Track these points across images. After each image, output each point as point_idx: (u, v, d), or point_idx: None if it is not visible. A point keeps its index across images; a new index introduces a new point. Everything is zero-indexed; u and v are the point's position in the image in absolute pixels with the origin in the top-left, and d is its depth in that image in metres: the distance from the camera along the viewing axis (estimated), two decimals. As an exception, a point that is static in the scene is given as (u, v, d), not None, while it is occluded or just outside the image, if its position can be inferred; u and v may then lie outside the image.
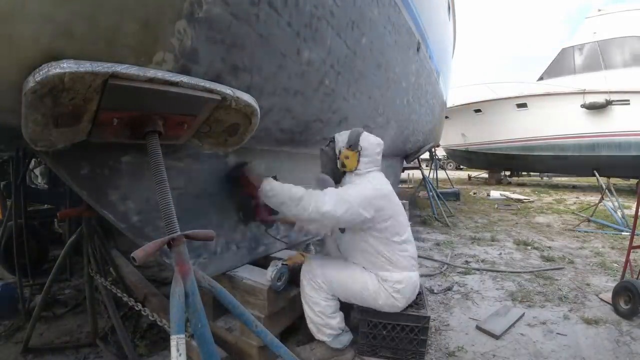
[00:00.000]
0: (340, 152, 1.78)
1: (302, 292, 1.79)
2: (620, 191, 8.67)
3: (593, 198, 7.79)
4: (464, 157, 14.19)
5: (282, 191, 1.61)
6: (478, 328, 2.20)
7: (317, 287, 1.74)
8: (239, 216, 1.88)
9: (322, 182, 1.86)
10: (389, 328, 1.81)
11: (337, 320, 1.78)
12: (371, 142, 1.77)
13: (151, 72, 0.93)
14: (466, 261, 3.58)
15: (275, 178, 1.75)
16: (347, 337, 1.82)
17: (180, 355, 0.88)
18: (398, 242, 1.74)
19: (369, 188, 1.68)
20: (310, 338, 1.86)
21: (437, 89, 5.62)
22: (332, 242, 2.07)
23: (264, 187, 1.65)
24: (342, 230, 1.84)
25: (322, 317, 1.74)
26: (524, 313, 2.40)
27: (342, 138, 1.79)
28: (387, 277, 1.72)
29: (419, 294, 1.94)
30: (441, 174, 10.17)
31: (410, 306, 1.84)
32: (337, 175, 1.84)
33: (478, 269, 3.32)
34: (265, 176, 1.73)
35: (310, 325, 1.79)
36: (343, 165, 1.77)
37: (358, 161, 1.74)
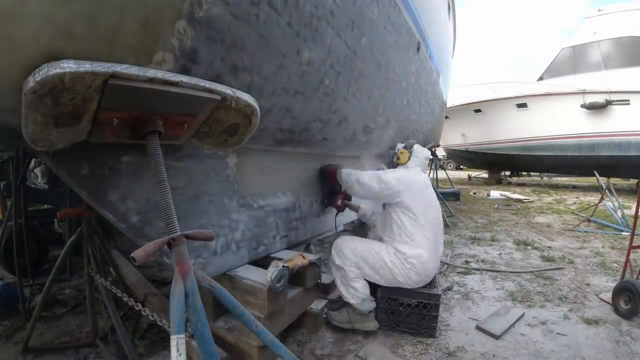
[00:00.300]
0: (398, 149, 2.41)
1: (332, 262, 2.21)
2: (620, 191, 8.67)
3: (593, 198, 7.79)
4: (464, 157, 14.18)
5: (347, 172, 2.30)
6: (478, 328, 2.20)
7: (345, 258, 2.12)
8: (324, 201, 2.63)
9: (381, 169, 2.61)
10: (405, 304, 2.11)
11: (360, 284, 2.12)
12: (420, 150, 2.39)
13: (151, 72, 0.93)
14: (466, 261, 3.59)
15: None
16: (371, 304, 2.14)
17: (180, 355, 0.88)
18: (422, 224, 2.12)
19: (403, 173, 2.25)
20: (311, 335, 1.96)
21: (437, 89, 5.62)
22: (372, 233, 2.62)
23: (341, 171, 2.35)
24: (384, 207, 2.35)
25: (346, 279, 2.13)
26: (524, 313, 2.40)
27: (401, 144, 2.46)
28: (402, 249, 2.08)
29: (433, 277, 2.23)
30: (441, 174, 10.16)
31: (423, 286, 2.15)
32: (393, 167, 2.42)
33: (478, 269, 3.32)
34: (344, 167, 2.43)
35: (340, 288, 2.17)
36: (397, 158, 2.38)
37: (409, 159, 2.34)
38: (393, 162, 2.44)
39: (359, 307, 2.11)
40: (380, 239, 2.29)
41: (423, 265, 2.07)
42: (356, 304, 2.11)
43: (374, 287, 2.19)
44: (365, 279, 2.14)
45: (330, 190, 2.58)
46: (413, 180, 2.21)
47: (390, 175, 2.17)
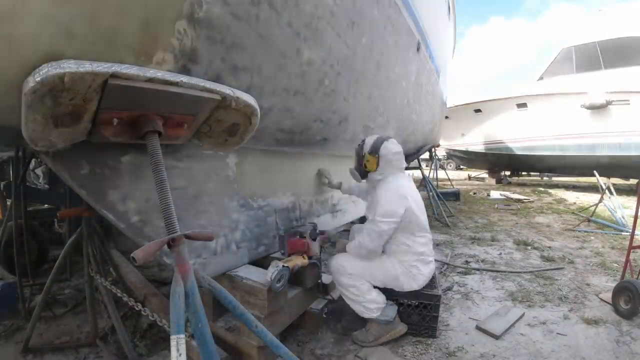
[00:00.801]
0: (364, 155, 2.15)
1: (338, 285, 2.10)
2: (620, 191, 8.66)
3: (593, 198, 7.79)
4: (464, 157, 14.18)
5: (352, 245, 2.09)
6: (478, 328, 2.20)
7: (349, 275, 2.03)
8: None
9: (353, 174, 2.30)
10: (405, 305, 2.11)
11: (374, 294, 2.04)
12: (389, 150, 2.10)
13: (151, 72, 0.93)
14: (466, 261, 3.58)
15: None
16: (392, 309, 2.06)
17: (180, 355, 0.88)
18: (418, 228, 2.05)
19: (393, 201, 1.98)
20: (311, 335, 1.94)
21: (437, 89, 5.62)
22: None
23: (348, 246, 2.13)
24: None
25: (360, 295, 2.02)
26: (524, 313, 2.40)
27: (368, 142, 2.16)
28: (405, 258, 2.04)
29: (433, 277, 2.21)
30: (441, 174, 10.17)
31: (423, 288, 2.12)
32: (362, 172, 2.21)
33: (478, 269, 3.32)
34: (343, 243, 2.24)
35: (358, 308, 2.05)
36: (365, 166, 2.16)
37: (377, 164, 2.11)
38: (360, 167, 2.20)
39: (383, 317, 2.02)
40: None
41: (425, 269, 2.08)
42: (378, 315, 2.02)
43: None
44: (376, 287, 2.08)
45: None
46: (403, 198, 1.99)
47: (385, 219, 1.95)
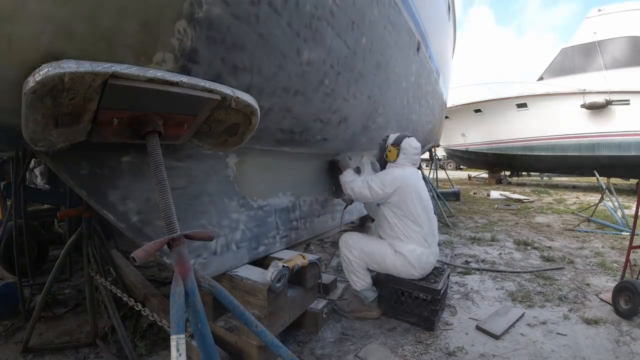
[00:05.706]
0: (387, 146, 2.43)
1: (341, 254, 2.41)
2: (620, 191, 8.67)
3: (593, 198, 7.79)
4: (464, 157, 14.19)
5: (346, 178, 2.46)
6: (478, 328, 2.20)
7: (350, 249, 2.32)
8: (332, 190, 2.75)
9: (374, 165, 2.80)
10: (406, 295, 2.25)
11: (362, 273, 2.33)
12: (410, 145, 2.39)
13: (151, 72, 0.93)
14: (466, 261, 3.58)
15: (357, 170, 2.67)
16: (373, 294, 2.33)
17: (180, 355, 0.88)
18: (411, 221, 2.23)
19: (392, 174, 2.27)
20: (311, 335, 1.96)
21: (437, 89, 5.61)
22: (374, 227, 2.66)
23: (343, 173, 2.52)
24: (378, 205, 2.42)
25: (351, 268, 2.33)
26: (524, 313, 2.40)
27: (392, 136, 2.46)
28: (399, 248, 2.22)
29: (441, 271, 2.40)
30: (441, 174, 10.17)
31: (425, 279, 2.26)
32: (382, 162, 2.51)
33: (478, 269, 3.32)
34: (350, 168, 2.59)
35: (348, 277, 2.39)
36: (386, 156, 2.43)
37: (397, 155, 2.37)
38: (383, 157, 2.49)
39: (362, 294, 2.32)
40: (379, 235, 2.43)
41: (418, 259, 2.20)
42: (359, 291, 2.33)
43: (380, 281, 2.40)
44: (368, 269, 2.34)
45: (339, 183, 2.63)
46: (402, 180, 2.24)
47: (378, 181, 2.26)
